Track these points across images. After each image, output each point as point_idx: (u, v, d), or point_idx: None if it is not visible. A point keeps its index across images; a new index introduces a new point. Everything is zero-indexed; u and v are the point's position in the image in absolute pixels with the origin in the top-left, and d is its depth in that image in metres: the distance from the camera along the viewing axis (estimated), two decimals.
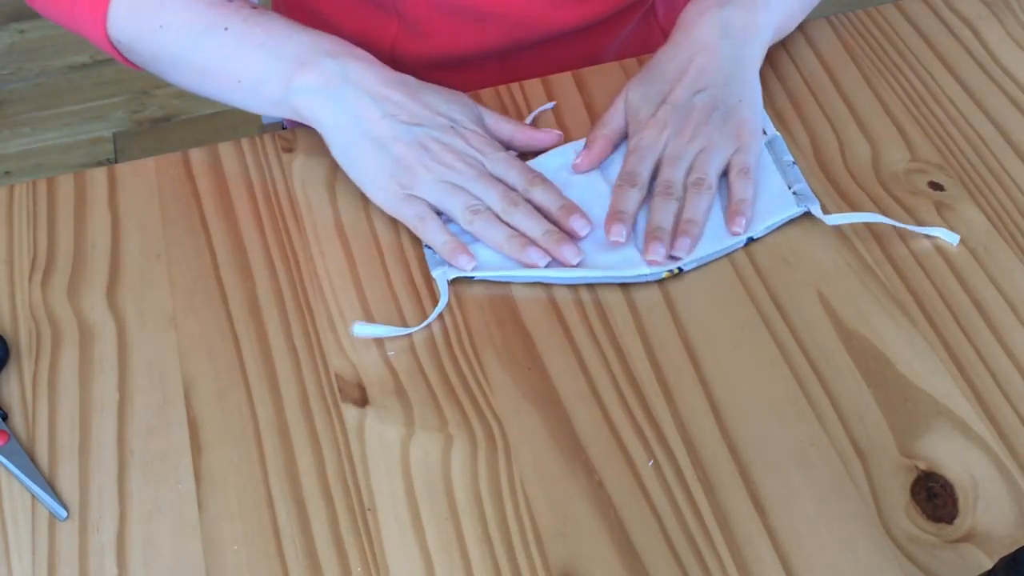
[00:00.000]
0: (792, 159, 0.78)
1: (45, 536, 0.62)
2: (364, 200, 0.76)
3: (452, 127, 0.76)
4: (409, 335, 0.70)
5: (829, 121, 0.82)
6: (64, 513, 0.62)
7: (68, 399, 0.67)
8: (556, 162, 0.79)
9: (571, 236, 0.73)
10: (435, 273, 0.72)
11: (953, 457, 0.63)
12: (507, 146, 0.79)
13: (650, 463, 0.63)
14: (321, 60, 0.75)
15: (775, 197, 0.76)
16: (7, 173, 1.97)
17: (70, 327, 0.71)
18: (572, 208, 0.74)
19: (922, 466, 0.63)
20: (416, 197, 0.74)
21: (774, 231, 0.75)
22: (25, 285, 0.73)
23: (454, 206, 0.73)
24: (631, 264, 0.72)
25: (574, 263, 0.71)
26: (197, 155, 0.81)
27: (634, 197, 0.75)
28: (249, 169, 0.80)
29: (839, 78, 0.85)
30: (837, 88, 0.84)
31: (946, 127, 0.81)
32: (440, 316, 0.71)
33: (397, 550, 0.61)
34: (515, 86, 0.85)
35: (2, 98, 2.09)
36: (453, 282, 0.72)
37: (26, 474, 0.63)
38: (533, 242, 0.72)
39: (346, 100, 0.75)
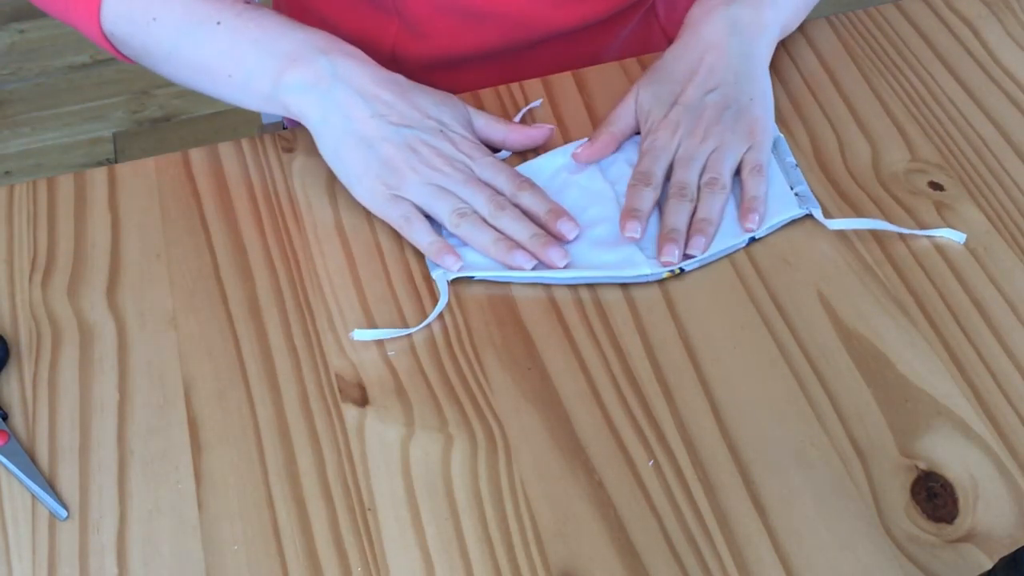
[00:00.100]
0: (795, 161, 0.78)
1: (45, 536, 0.62)
2: None
3: (441, 130, 0.76)
4: (409, 335, 0.70)
5: (829, 121, 0.82)
6: (64, 513, 0.62)
7: (68, 399, 0.67)
8: (557, 162, 0.79)
9: (559, 239, 0.73)
10: (435, 274, 0.72)
11: (953, 457, 0.63)
12: (502, 146, 0.80)
13: (650, 463, 0.63)
14: (313, 57, 0.75)
15: (778, 198, 0.76)
16: (7, 173, 1.97)
17: (70, 327, 0.71)
18: (560, 212, 0.74)
19: (922, 466, 0.63)
20: (402, 198, 0.74)
21: (775, 231, 0.75)
22: (25, 285, 0.73)
23: (441, 209, 0.73)
24: (632, 264, 0.72)
25: (561, 266, 0.71)
26: (197, 155, 0.81)
27: (648, 196, 0.75)
28: (249, 169, 0.80)
29: (839, 78, 0.85)
30: (837, 88, 0.84)
31: (946, 127, 0.81)
32: (440, 316, 0.71)
33: (397, 550, 0.61)
34: (515, 86, 0.85)
35: (2, 98, 2.09)
36: (453, 282, 0.72)
37: (26, 474, 0.63)
38: (520, 245, 0.72)
39: (336, 98, 0.75)
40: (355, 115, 0.75)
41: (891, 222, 0.74)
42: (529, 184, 0.75)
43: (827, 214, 0.75)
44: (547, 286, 0.72)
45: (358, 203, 0.76)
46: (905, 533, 0.60)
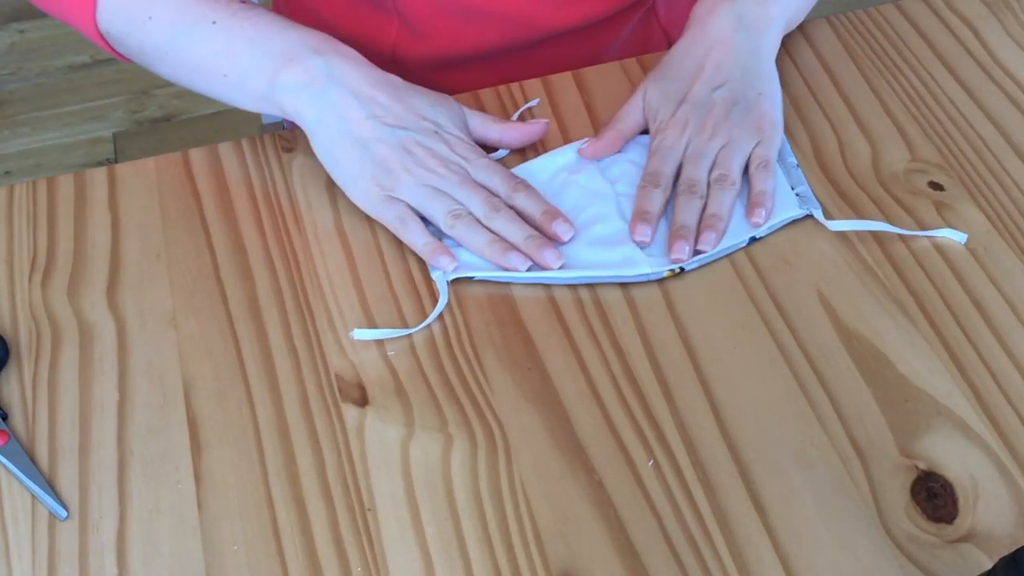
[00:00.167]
0: (795, 160, 0.78)
1: (45, 536, 0.62)
2: None
3: (436, 132, 0.76)
4: (409, 335, 0.70)
5: (829, 121, 0.82)
6: (64, 513, 0.62)
7: (68, 399, 0.67)
8: (557, 162, 0.79)
9: (554, 241, 0.73)
10: (435, 275, 0.72)
11: (953, 457, 0.63)
12: (498, 145, 0.79)
13: (650, 463, 0.63)
14: (308, 57, 0.75)
15: (779, 198, 0.76)
16: (7, 173, 1.97)
17: (70, 327, 0.71)
18: (555, 213, 0.74)
19: (922, 466, 0.63)
20: (397, 199, 0.73)
21: (775, 231, 0.75)
22: (25, 285, 0.73)
23: (436, 210, 0.73)
24: (632, 263, 0.72)
25: (556, 267, 0.71)
26: (197, 155, 0.81)
27: (658, 197, 0.75)
28: (249, 169, 0.80)
29: (839, 78, 0.85)
30: (837, 88, 0.84)
31: (946, 127, 0.81)
32: (440, 316, 0.71)
33: (397, 550, 0.61)
34: (515, 86, 0.85)
35: (2, 98, 2.09)
36: (453, 282, 0.72)
37: (26, 474, 0.63)
38: (515, 247, 0.72)
39: (331, 99, 0.75)
40: (350, 116, 0.74)
41: (891, 222, 0.74)
42: (524, 185, 0.75)
43: (827, 214, 0.75)
44: (547, 286, 0.72)
45: None
46: (905, 533, 0.60)
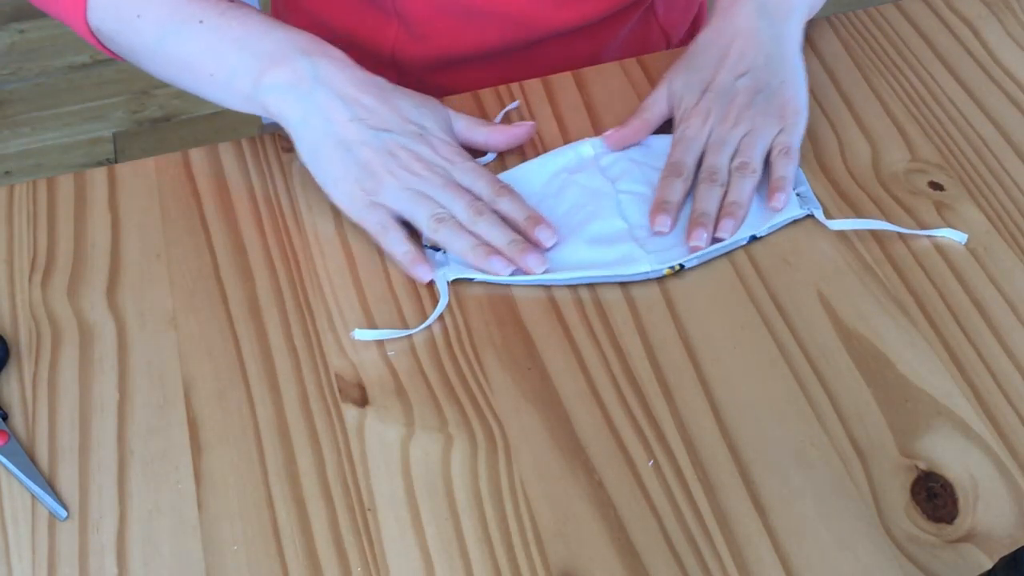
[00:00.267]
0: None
1: (45, 536, 0.62)
2: None
3: (421, 134, 0.75)
4: (409, 335, 0.70)
5: (829, 121, 0.82)
6: (64, 513, 0.62)
7: (68, 399, 0.67)
8: (558, 162, 0.79)
9: (537, 247, 0.72)
10: (435, 275, 0.72)
11: (953, 457, 0.63)
12: (484, 147, 0.79)
13: (650, 463, 0.63)
14: (294, 58, 0.75)
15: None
16: (7, 173, 1.97)
17: (70, 327, 0.71)
18: (538, 219, 0.73)
19: (922, 466, 0.63)
20: (380, 204, 0.73)
21: (775, 231, 0.75)
22: (25, 285, 0.73)
23: (419, 214, 0.73)
24: (631, 260, 0.72)
25: (539, 272, 0.71)
26: (197, 155, 0.81)
27: (678, 187, 0.75)
28: (249, 169, 0.80)
29: (839, 78, 0.85)
30: (837, 88, 0.84)
31: (946, 127, 0.81)
32: (440, 316, 0.71)
33: (397, 550, 0.61)
34: (515, 86, 0.85)
35: (2, 98, 2.09)
36: (453, 283, 0.72)
37: (26, 474, 0.63)
38: (498, 251, 0.72)
39: (316, 101, 0.74)
40: (335, 118, 0.74)
41: (891, 222, 0.74)
42: (508, 190, 0.75)
43: (827, 214, 0.75)
44: (547, 286, 0.72)
45: None
46: (905, 533, 0.60)
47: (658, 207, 0.74)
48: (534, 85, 0.85)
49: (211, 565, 0.60)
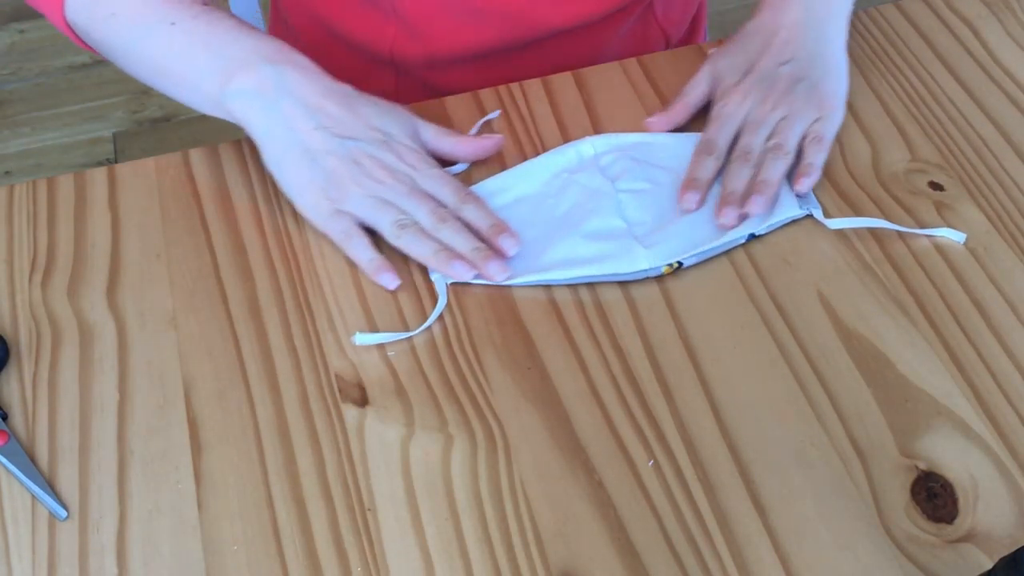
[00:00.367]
0: None
1: (45, 536, 0.62)
2: None
3: (386, 142, 0.75)
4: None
5: None
6: (64, 513, 0.62)
7: (68, 399, 0.67)
8: (558, 162, 0.79)
9: (500, 255, 0.72)
10: (433, 276, 0.72)
11: (953, 457, 0.63)
12: (452, 157, 0.78)
13: (650, 463, 0.63)
14: (259, 65, 0.74)
15: (780, 196, 0.76)
16: (7, 173, 1.97)
17: (70, 327, 0.71)
18: (502, 227, 0.73)
19: (922, 466, 0.63)
20: (344, 212, 0.73)
21: (775, 230, 0.75)
22: (25, 285, 0.73)
23: (382, 221, 0.72)
24: (629, 253, 0.72)
25: (500, 279, 0.71)
26: (197, 155, 0.81)
27: (710, 165, 0.76)
28: (249, 169, 0.80)
29: None
30: None
31: (946, 127, 0.81)
32: (440, 316, 0.71)
33: (397, 550, 0.61)
34: (515, 86, 0.85)
35: (2, 98, 2.09)
36: (452, 283, 0.72)
37: (26, 474, 0.63)
38: (461, 256, 0.71)
39: (280, 108, 0.74)
40: (299, 127, 0.74)
41: (891, 222, 0.74)
42: (473, 197, 0.74)
43: (827, 214, 0.75)
44: (547, 286, 0.72)
45: None
46: (905, 533, 0.60)
47: (688, 184, 0.75)
48: (534, 85, 0.85)
49: (211, 565, 0.60)
